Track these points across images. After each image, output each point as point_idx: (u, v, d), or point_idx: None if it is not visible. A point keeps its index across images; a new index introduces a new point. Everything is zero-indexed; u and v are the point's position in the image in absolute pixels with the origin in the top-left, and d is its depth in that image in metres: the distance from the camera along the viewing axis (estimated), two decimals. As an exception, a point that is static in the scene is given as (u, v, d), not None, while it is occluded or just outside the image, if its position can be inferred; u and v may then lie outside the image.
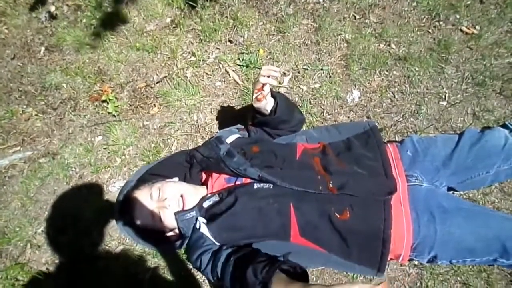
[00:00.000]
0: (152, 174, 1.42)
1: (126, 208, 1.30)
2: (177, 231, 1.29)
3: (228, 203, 1.24)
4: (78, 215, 1.90)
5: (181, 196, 1.26)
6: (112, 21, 2.21)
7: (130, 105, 2.06)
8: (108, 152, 2.00)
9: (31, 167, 2.02)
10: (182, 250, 1.79)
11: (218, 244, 1.22)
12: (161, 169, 1.44)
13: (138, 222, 1.27)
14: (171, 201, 1.24)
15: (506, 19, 1.91)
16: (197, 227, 1.24)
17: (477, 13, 1.93)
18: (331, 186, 1.23)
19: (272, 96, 1.37)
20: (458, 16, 1.95)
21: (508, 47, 1.86)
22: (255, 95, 1.30)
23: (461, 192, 1.66)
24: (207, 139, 1.90)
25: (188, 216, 1.23)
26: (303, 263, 1.36)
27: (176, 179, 1.38)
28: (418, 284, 1.66)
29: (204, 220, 1.25)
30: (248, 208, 1.18)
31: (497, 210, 1.68)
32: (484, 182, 1.44)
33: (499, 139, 1.38)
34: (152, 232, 1.30)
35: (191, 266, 1.78)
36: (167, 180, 1.35)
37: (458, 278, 1.63)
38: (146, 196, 1.28)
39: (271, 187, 1.23)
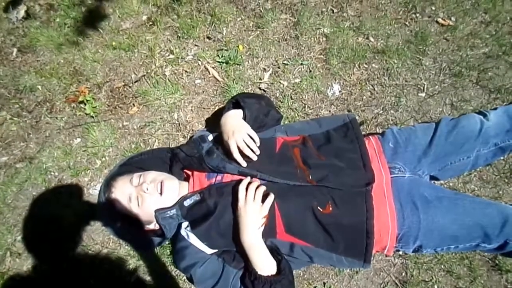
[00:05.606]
0: (135, 166, 1.41)
1: (107, 195, 1.29)
2: (158, 226, 1.28)
3: (210, 204, 1.23)
4: (59, 220, 1.85)
5: (161, 182, 1.24)
6: (86, 20, 2.15)
7: (108, 106, 2.01)
8: (88, 155, 1.95)
9: (8, 173, 1.95)
10: (168, 252, 1.77)
11: (209, 253, 1.22)
12: (143, 163, 1.43)
13: (117, 207, 1.25)
14: (149, 185, 1.22)
15: (480, 9, 1.94)
16: (184, 235, 1.23)
17: (452, 5, 1.95)
18: (310, 178, 1.24)
19: (242, 107, 1.38)
20: (434, 8, 1.97)
21: (483, 38, 1.89)
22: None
23: (442, 181, 1.68)
24: (188, 138, 1.89)
25: (168, 214, 1.22)
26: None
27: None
28: (403, 274, 1.68)
29: (188, 226, 1.24)
30: (232, 210, 1.18)
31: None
32: (465, 167, 1.48)
33: (475, 124, 1.43)
34: (131, 222, 1.27)
35: (175, 269, 1.76)
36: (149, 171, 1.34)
37: (442, 266, 1.66)
38: (126, 181, 1.27)
39: None
